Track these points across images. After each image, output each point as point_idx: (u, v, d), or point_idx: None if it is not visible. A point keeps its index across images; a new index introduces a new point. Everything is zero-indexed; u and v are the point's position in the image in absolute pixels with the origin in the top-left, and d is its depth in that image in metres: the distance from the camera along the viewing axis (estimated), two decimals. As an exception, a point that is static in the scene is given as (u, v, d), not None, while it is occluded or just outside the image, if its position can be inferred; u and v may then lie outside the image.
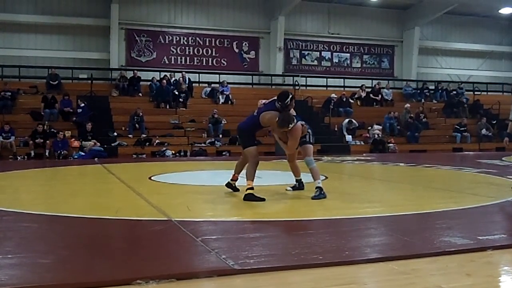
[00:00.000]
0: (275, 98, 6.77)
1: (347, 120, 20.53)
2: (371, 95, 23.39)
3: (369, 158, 16.24)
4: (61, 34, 21.71)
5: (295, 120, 6.57)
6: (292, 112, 6.85)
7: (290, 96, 6.72)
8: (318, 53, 25.62)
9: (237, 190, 7.06)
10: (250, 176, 6.53)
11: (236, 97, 21.47)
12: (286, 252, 4.00)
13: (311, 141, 7.11)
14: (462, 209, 5.99)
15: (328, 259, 3.70)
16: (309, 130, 7.10)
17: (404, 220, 5.53)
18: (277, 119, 6.49)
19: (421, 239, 4.53)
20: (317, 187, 6.80)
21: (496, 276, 3.59)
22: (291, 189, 7.45)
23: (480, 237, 4.48)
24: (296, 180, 7.50)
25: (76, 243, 4.46)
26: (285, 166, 6.99)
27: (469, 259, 3.81)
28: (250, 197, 6.37)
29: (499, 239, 4.48)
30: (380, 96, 23.52)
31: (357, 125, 20.60)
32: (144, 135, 17.80)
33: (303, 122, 6.95)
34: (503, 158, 15.27)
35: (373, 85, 24.01)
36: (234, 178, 7.18)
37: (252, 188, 6.45)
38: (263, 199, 6.40)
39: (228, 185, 7.18)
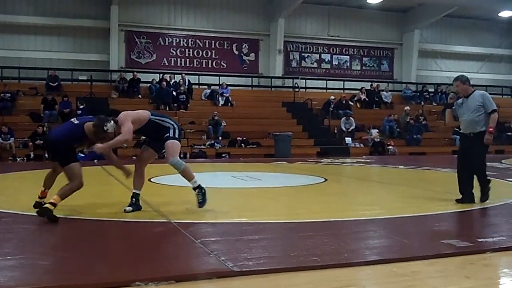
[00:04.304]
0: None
1: (344, 118, 20.64)
2: (366, 98, 23.36)
3: (368, 160, 16.25)
4: (61, 35, 21.70)
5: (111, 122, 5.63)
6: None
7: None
8: (318, 55, 25.64)
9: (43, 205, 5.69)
10: (63, 194, 5.38)
11: (236, 99, 21.48)
12: (285, 254, 4.01)
13: (176, 136, 5.83)
14: (461, 212, 5.99)
15: (327, 261, 3.71)
16: (171, 123, 5.91)
17: (403, 222, 5.53)
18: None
19: (420, 242, 4.54)
20: (195, 188, 5.80)
21: (495, 279, 3.60)
22: (130, 208, 5.82)
23: (479, 240, 4.49)
24: (133, 195, 5.94)
25: (75, 244, 4.46)
26: (285, 168, 6.95)
27: (468, 262, 3.82)
28: (45, 213, 5.25)
29: (498, 241, 4.48)
30: (378, 98, 23.53)
31: (353, 125, 20.61)
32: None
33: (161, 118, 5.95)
34: (502, 161, 15.27)
35: (372, 88, 24.04)
36: (43, 195, 5.95)
37: (54, 205, 5.29)
38: (57, 219, 5.24)
39: (37, 205, 5.77)
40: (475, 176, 6.59)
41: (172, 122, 5.93)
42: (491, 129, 6.42)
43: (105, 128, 5.58)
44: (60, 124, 14.55)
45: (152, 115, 5.90)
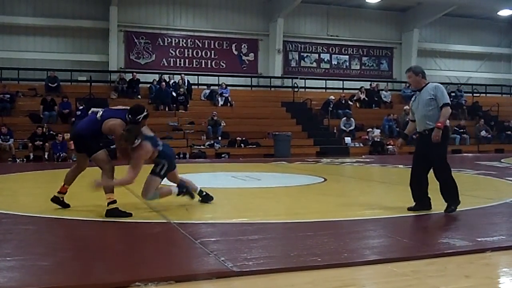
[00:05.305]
0: (127, 107, 5.85)
1: (344, 118, 20.65)
2: (366, 97, 23.38)
3: (368, 160, 16.25)
4: (60, 36, 21.68)
5: (144, 138, 5.61)
6: (147, 131, 5.89)
7: (144, 114, 5.68)
8: (317, 55, 25.63)
9: (68, 206, 6.04)
10: (109, 188, 5.57)
11: (235, 99, 21.47)
12: (285, 254, 4.01)
13: (161, 173, 6.00)
14: (461, 211, 5.98)
15: (327, 261, 3.71)
16: (164, 162, 5.99)
17: (403, 222, 5.53)
18: (122, 130, 5.51)
19: (420, 241, 4.54)
20: (179, 192, 6.25)
21: (494, 278, 3.59)
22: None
23: (479, 239, 4.49)
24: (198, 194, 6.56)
25: (74, 245, 4.46)
26: (284, 168, 6.94)
27: (468, 261, 3.82)
28: (114, 213, 5.46)
29: (498, 240, 4.48)
30: (377, 97, 23.53)
31: (353, 125, 20.59)
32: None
33: (161, 147, 5.93)
34: (502, 160, 15.28)
35: (371, 87, 24.04)
36: (63, 190, 6.02)
37: (114, 202, 5.55)
38: (130, 214, 5.50)
39: (55, 200, 5.97)
40: (438, 179, 5.83)
41: (166, 162, 6.05)
42: (439, 124, 5.62)
43: (136, 141, 5.52)
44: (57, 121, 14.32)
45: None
